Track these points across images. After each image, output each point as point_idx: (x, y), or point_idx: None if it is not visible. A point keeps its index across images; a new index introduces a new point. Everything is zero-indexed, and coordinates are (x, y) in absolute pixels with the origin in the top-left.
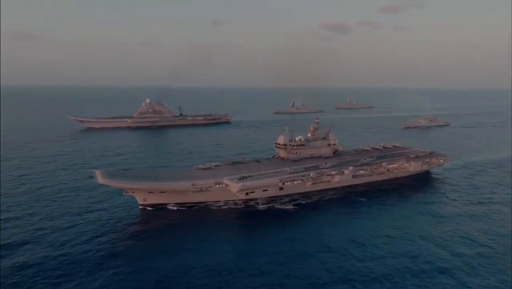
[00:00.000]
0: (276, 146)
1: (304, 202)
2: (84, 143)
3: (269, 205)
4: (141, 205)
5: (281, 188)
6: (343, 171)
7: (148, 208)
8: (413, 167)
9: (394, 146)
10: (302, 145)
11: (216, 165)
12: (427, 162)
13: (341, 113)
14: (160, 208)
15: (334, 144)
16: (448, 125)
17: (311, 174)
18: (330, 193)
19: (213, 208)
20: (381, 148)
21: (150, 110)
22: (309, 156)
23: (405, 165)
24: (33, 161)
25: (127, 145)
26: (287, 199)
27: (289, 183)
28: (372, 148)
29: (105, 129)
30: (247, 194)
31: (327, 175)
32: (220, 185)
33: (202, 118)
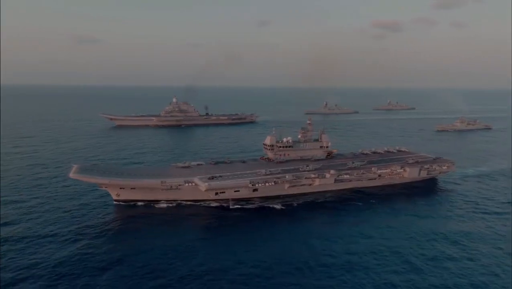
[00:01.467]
0: (264, 147)
1: (274, 206)
2: (107, 139)
3: (240, 206)
4: (115, 200)
5: (255, 190)
6: (324, 175)
7: (122, 203)
8: (408, 174)
9: (399, 151)
10: (290, 146)
11: (198, 164)
12: (427, 168)
13: (378, 115)
14: (133, 204)
15: (327, 147)
16: (490, 128)
17: (287, 177)
18: (306, 197)
19: (184, 206)
20: (383, 152)
21: (176, 109)
22: (299, 158)
23: (398, 171)
24: (50, 154)
25: (146, 143)
26: (260, 201)
27: (260, 185)
28: (372, 152)
29: (133, 127)
30: (216, 194)
31: (306, 178)
32: (190, 184)
33: (227, 118)
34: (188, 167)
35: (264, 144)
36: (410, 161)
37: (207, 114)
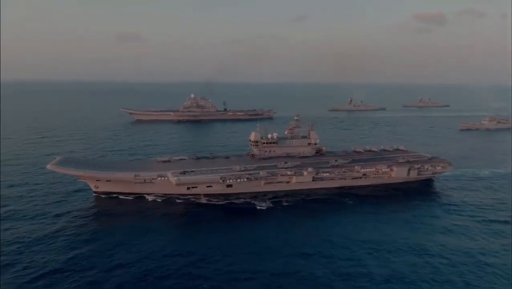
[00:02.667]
0: (250, 143)
1: (255, 203)
2: (124, 132)
3: (212, 202)
4: (94, 192)
5: (229, 186)
6: (302, 172)
7: (102, 195)
8: (396, 173)
9: (396, 149)
10: (274, 142)
11: (181, 159)
12: (417, 168)
13: (407, 112)
14: (111, 196)
15: (315, 144)
16: None
17: (261, 173)
18: (282, 195)
19: (158, 200)
20: (377, 150)
21: (194, 105)
22: (285, 154)
23: (384, 170)
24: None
25: (159, 137)
26: (235, 198)
27: (231, 181)
28: (366, 150)
29: (152, 122)
30: (188, 188)
31: (282, 175)
32: (163, 178)
33: (243, 113)
34: (168, 161)
35: (250, 140)
36: (401, 160)
37: (225, 109)
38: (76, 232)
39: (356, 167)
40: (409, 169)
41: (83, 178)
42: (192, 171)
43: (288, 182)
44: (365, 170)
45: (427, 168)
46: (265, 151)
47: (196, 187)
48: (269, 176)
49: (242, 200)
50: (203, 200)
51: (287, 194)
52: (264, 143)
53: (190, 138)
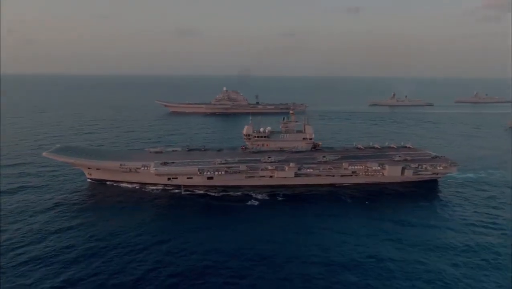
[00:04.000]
0: (244, 137)
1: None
2: (157, 124)
3: (193, 193)
4: (88, 178)
5: (210, 178)
6: (284, 168)
7: (94, 181)
8: (388, 172)
9: (405, 147)
10: (266, 136)
11: (174, 150)
12: (413, 167)
13: (459, 108)
14: (102, 183)
15: (310, 138)
16: None
17: (240, 167)
18: (263, 190)
19: (144, 189)
20: (379, 147)
21: (226, 98)
22: (279, 149)
23: (375, 168)
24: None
25: (185, 128)
26: (217, 190)
27: (208, 173)
28: (366, 147)
29: (185, 114)
30: (169, 179)
31: (262, 170)
32: (147, 168)
33: (274, 107)
34: (160, 152)
35: (243, 134)
36: (397, 159)
37: (257, 103)
38: (62, 213)
39: (344, 164)
40: (404, 168)
41: (76, 165)
42: (172, 162)
43: (271, 176)
44: (353, 167)
45: (426, 168)
46: (257, 145)
47: (177, 178)
48: (249, 170)
49: (223, 193)
50: (183, 191)
51: (269, 189)
52: (255, 136)
53: (217, 130)
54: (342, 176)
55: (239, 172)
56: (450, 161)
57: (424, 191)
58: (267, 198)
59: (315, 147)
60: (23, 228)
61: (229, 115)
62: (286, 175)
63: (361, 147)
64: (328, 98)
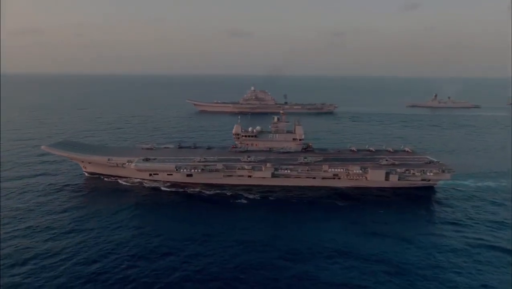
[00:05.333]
0: (233, 136)
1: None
2: (185, 122)
3: (173, 189)
4: (84, 171)
5: (189, 175)
6: (261, 168)
7: (90, 175)
8: (370, 176)
9: (404, 151)
10: (254, 136)
11: (165, 147)
12: (399, 172)
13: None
14: (95, 176)
15: (300, 139)
16: None
17: (217, 165)
18: (240, 189)
19: (128, 184)
20: (373, 150)
21: (253, 97)
22: (268, 149)
23: (356, 172)
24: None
25: (210, 127)
26: (199, 187)
27: (185, 170)
28: (360, 150)
29: (214, 113)
30: (150, 175)
31: (239, 169)
32: (131, 164)
33: (300, 107)
34: (151, 149)
35: (233, 133)
36: (384, 163)
37: (285, 102)
38: (51, 201)
39: (323, 166)
40: (388, 173)
41: (72, 159)
42: (154, 159)
43: (249, 176)
44: (334, 170)
45: (413, 174)
46: (246, 145)
47: (157, 174)
48: (225, 169)
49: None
50: (163, 187)
51: (247, 188)
52: (243, 136)
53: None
54: (323, 178)
55: (216, 171)
56: (444, 167)
57: (402, 199)
58: (244, 201)
59: (306, 148)
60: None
61: (256, 115)
62: (263, 176)
63: (354, 149)
64: (364, 98)
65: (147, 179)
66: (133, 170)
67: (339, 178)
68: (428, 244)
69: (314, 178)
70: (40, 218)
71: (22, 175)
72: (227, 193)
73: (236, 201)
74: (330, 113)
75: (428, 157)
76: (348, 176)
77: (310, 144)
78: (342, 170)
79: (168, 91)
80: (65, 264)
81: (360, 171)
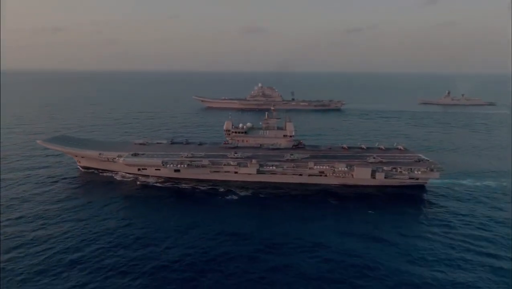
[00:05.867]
0: (224, 132)
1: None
2: (191, 118)
3: (167, 185)
4: (78, 166)
5: (176, 170)
6: (247, 164)
7: (84, 169)
8: (356, 174)
9: (397, 149)
10: (244, 132)
11: (158, 143)
12: (386, 170)
13: None
14: (89, 171)
15: (291, 136)
16: None
17: (203, 161)
18: (227, 184)
19: (121, 178)
20: (364, 148)
21: (260, 94)
22: (259, 145)
23: (342, 169)
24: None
25: (214, 122)
26: (190, 184)
27: (171, 166)
28: (351, 147)
29: (220, 109)
30: (139, 170)
31: (225, 165)
32: (120, 158)
33: (307, 104)
34: (144, 144)
35: (224, 129)
36: (371, 160)
37: (292, 99)
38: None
39: (309, 163)
40: (374, 171)
41: (66, 153)
42: (143, 154)
43: (236, 172)
44: (319, 167)
45: (401, 172)
46: (237, 141)
47: (146, 169)
48: (211, 165)
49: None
50: (151, 182)
51: (238, 185)
52: (234, 132)
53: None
54: (310, 175)
55: (202, 166)
56: (434, 166)
57: (391, 197)
58: (234, 197)
59: (297, 145)
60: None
61: (262, 111)
62: (249, 172)
63: (345, 146)
64: (376, 95)
65: (139, 174)
66: (121, 164)
67: (325, 176)
68: (407, 243)
69: (301, 175)
70: (32, 208)
71: (22, 167)
72: (220, 189)
73: (226, 197)
74: (338, 110)
75: (419, 155)
76: (335, 174)
77: (301, 141)
78: (327, 167)
79: (181, 87)
80: (47, 253)
81: (346, 169)
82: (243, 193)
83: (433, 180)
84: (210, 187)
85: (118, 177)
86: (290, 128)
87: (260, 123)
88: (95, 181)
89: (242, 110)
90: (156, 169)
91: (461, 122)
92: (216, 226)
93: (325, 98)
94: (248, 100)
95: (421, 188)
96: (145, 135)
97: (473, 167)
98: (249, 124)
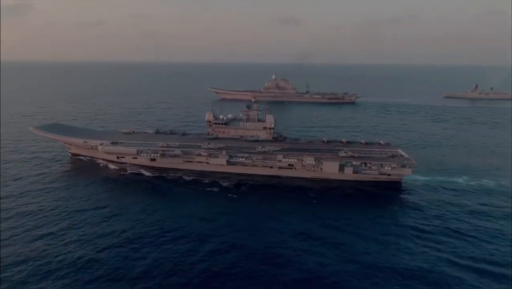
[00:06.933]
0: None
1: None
2: (202, 108)
3: (136, 172)
4: (69, 152)
5: (152, 160)
6: (217, 155)
7: (72, 156)
8: (325, 168)
9: (379, 144)
10: (224, 124)
11: (144, 132)
12: (356, 165)
13: None
14: (77, 158)
15: (270, 128)
16: None
17: (175, 151)
18: (199, 174)
19: (102, 165)
20: (343, 142)
21: (274, 86)
22: (239, 137)
23: (310, 162)
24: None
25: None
26: (156, 171)
27: (145, 155)
28: (330, 141)
29: (235, 100)
30: (118, 158)
31: (196, 155)
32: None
33: (320, 97)
34: (129, 133)
35: (205, 120)
36: (341, 154)
37: (307, 91)
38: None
39: (278, 156)
40: (343, 165)
41: (56, 140)
42: (121, 142)
43: (208, 163)
44: (288, 160)
45: (370, 167)
46: (218, 132)
47: (124, 157)
48: (183, 155)
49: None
50: (128, 169)
51: (224, 177)
52: (214, 123)
53: None
54: (280, 168)
55: (174, 156)
56: (406, 162)
57: (363, 193)
58: (216, 189)
59: (277, 138)
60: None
61: (275, 104)
62: (219, 163)
63: (325, 140)
64: (401, 88)
65: (122, 162)
66: (101, 152)
67: (295, 169)
68: (375, 239)
69: (271, 167)
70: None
71: (19, 150)
72: (205, 181)
73: (207, 189)
74: (352, 103)
75: (398, 150)
76: (304, 167)
77: (281, 134)
78: (296, 160)
79: (207, 79)
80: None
81: (314, 162)
82: (225, 184)
83: (417, 177)
84: (195, 177)
85: (102, 164)
86: (270, 120)
87: (240, 114)
88: (81, 168)
89: (264, 101)
90: (133, 158)
91: (482, 118)
92: (178, 217)
93: (341, 91)
94: (262, 92)
95: (397, 184)
96: (154, 125)
97: (473, 165)
98: (230, 116)
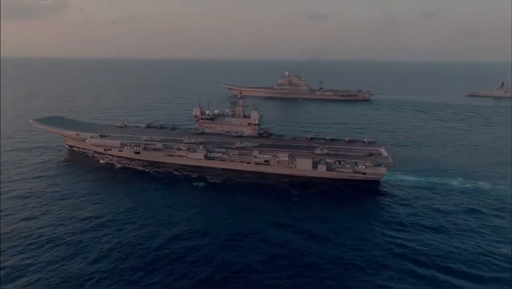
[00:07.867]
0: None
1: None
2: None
3: (124, 164)
4: (66, 144)
5: (137, 152)
6: (195, 150)
7: (68, 147)
8: (299, 165)
9: (363, 142)
10: (210, 119)
11: (136, 126)
12: (328, 162)
13: None
14: (73, 150)
15: (255, 124)
16: None
17: (156, 145)
18: (170, 167)
19: (95, 157)
20: (327, 139)
21: (287, 82)
22: (225, 132)
23: (284, 159)
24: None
25: None
26: (140, 164)
27: (129, 148)
28: (314, 138)
29: (248, 97)
30: (105, 150)
31: (177, 149)
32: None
33: (333, 94)
34: (121, 127)
35: (193, 115)
36: (317, 152)
37: (320, 88)
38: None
39: (254, 152)
40: (316, 162)
41: (53, 132)
42: (109, 135)
43: (188, 157)
44: (263, 156)
45: (346, 165)
46: (205, 127)
47: (111, 150)
48: (164, 149)
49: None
50: (115, 161)
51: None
52: (201, 119)
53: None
54: (257, 164)
55: (156, 150)
56: (383, 161)
57: (340, 192)
58: (202, 184)
59: (262, 134)
60: None
61: (288, 100)
62: (197, 157)
63: (309, 137)
64: (423, 85)
65: (103, 153)
66: (91, 144)
67: (272, 165)
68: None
69: (249, 163)
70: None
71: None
72: (192, 175)
73: (193, 184)
74: (366, 100)
75: (380, 149)
76: (279, 163)
77: (268, 130)
78: (271, 156)
79: (222, 75)
80: None
81: (288, 159)
82: (212, 180)
83: (406, 178)
84: (186, 173)
85: (95, 156)
86: (254, 116)
87: (227, 110)
88: (75, 159)
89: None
90: (119, 150)
91: (501, 118)
92: (161, 208)
93: (357, 88)
94: (274, 89)
95: (375, 184)
96: (163, 120)
97: (472, 167)
98: (216, 111)
